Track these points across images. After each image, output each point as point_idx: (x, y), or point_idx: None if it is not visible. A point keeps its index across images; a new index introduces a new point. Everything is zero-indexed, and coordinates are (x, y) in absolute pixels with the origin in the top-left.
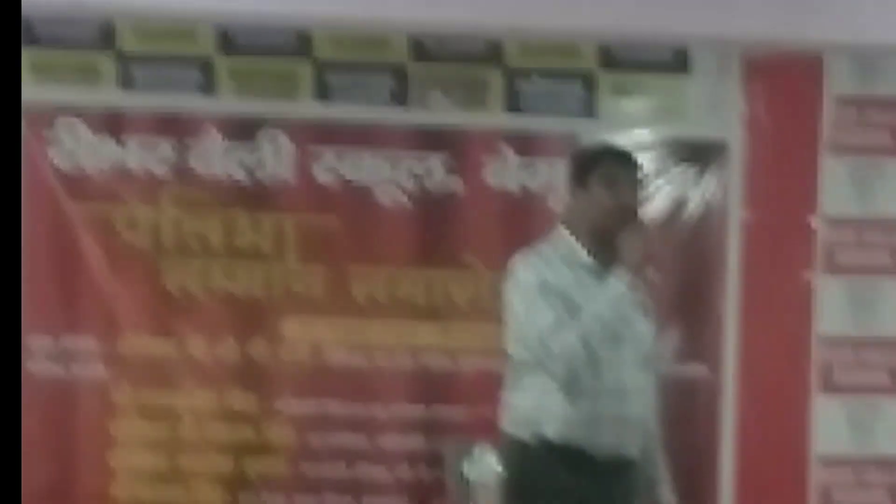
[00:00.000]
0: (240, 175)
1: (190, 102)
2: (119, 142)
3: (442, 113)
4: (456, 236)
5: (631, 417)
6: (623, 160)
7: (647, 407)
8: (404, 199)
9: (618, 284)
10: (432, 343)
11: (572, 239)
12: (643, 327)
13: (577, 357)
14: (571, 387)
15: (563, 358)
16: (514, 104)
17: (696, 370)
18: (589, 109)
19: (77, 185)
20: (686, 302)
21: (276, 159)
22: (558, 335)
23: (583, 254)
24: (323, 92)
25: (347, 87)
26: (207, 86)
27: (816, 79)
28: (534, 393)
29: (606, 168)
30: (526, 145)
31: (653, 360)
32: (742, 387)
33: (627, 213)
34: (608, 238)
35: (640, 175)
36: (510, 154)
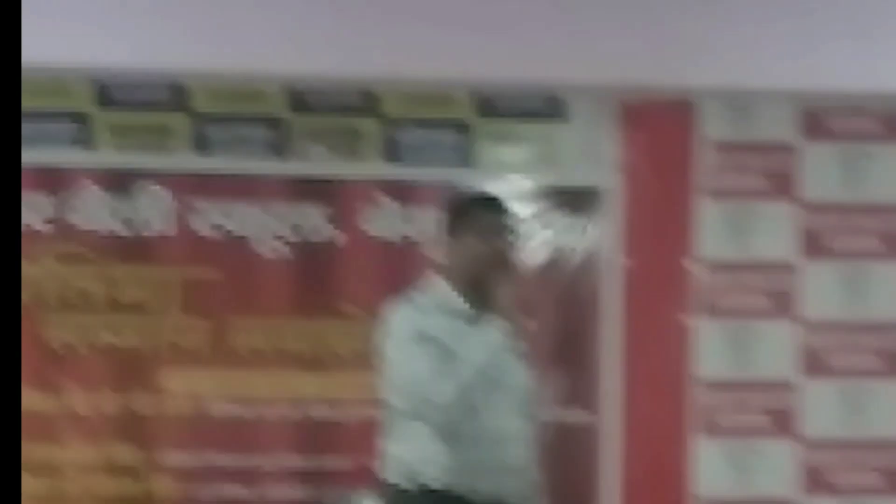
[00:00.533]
0: (119, 228)
1: (67, 156)
2: None
3: (320, 163)
4: (336, 286)
5: (510, 464)
6: (492, 208)
7: (527, 453)
8: (284, 249)
9: (492, 331)
10: (314, 393)
11: (448, 286)
12: (520, 374)
13: (455, 405)
14: (450, 434)
15: (440, 406)
16: (391, 154)
17: (578, 415)
18: (466, 158)
19: None
20: (567, 347)
21: (155, 212)
22: (435, 384)
23: (458, 301)
24: (201, 144)
25: (225, 139)
26: (85, 139)
27: (690, 124)
28: (413, 441)
29: (476, 216)
30: (404, 194)
31: (531, 406)
32: (623, 431)
33: (499, 260)
34: (482, 285)
35: (510, 222)
36: (388, 203)
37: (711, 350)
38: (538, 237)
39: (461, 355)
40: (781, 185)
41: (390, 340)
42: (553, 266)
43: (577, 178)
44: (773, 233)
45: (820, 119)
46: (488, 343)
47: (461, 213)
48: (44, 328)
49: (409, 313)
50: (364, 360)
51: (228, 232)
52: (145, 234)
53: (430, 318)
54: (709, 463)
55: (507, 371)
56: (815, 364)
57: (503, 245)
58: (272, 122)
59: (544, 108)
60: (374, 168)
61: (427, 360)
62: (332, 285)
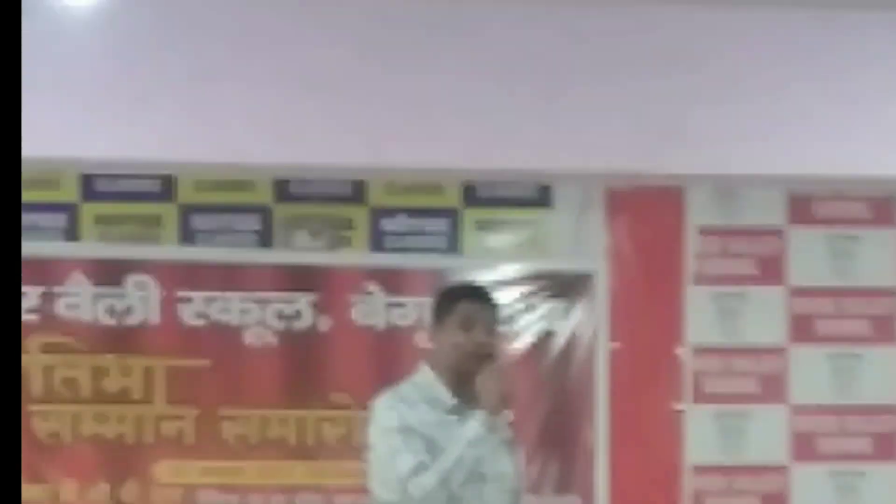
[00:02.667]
0: (107, 319)
1: (55, 248)
2: None
3: (308, 253)
4: (325, 375)
5: None
6: (479, 300)
7: None
8: (273, 339)
9: (477, 427)
10: (304, 481)
11: (433, 376)
12: (506, 465)
13: (437, 500)
14: None
15: (423, 501)
16: (379, 243)
17: (569, 501)
18: (454, 246)
19: None
20: (556, 434)
21: (142, 302)
22: (418, 479)
23: (444, 393)
24: (188, 235)
25: (211, 229)
26: (72, 231)
27: (678, 209)
28: None
29: (462, 309)
30: (392, 283)
31: (517, 497)
32: None
33: (483, 352)
34: (467, 376)
35: (496, 314)
36: (377, 292)
37: (701, 436)
38: (525, 322)
39: (446, 449)
40: (770, 269)
41: (375, 431)
42: (542, 353)
43: (564, 263)
44: (761, 317)
45: (807, 204)
46: (472, 439)
47: (444, 304)
48: (30, 419)
49: (393, 404)
50: (352, 448)
51: (215, 321)
52: (132, 323)
53: (416, 410)
54: None
55: (494, 464)
56: (804, 448)
57: (487, 337)
58: (259, 212)
59: (531, 195)
60: (361, 256)
61: (410, 455)
62: (319, 373)
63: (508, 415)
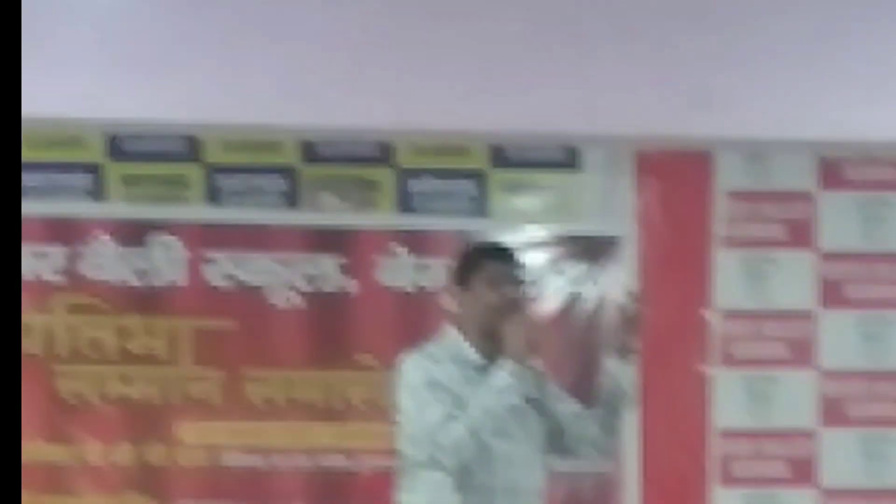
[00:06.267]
0: (132, 279)
1: (80, 208)
2: None
3: (334, 214)
4: (351, 336)
5: None
6: (501, 257)
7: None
8: (298, 300)
9: (503, 375)
10: (329, 444)
11: (460, 337)
12: (535, 424)
13: (467, 448)
14: (463, 484)
15: (452, 450)
16: (405, 204)
17: (598, 464)
18: (481, 208)
19: None
20: (584, 398)
21: (168, 263)
22: (447, 428)
23: (470, 352)
24: (214, 195)
25: (238, 190)
26: (97, 191)
27: (707, 173)
28: (427, 492)
29: (485, 266)
30: (418, 244)
31: (570, 440)
32: (643, 481)
33: (509, 309)
34: (494, 335)
35: (519, 270)
36: (403, 253)
37: (729, 400)
38: (553, 285)
39: (471, 402)
40: (799, 234)
41: (403, 389)
42: (569, 316)
43: (593, 227)
44: (790, 282)
45: (837, 168)
46: (498, 388)
47: (470, 263)
48: (56, 379)
49: (421, 362)
50: (378, 409)
51: (241, 282)
52: (158, 284)
53: (441, 367)
54: None
55: (523, 420)
56: (834, 413)
57: (513, 293)
58: (285, 173)
59: (559, 157)
60: (388, 218)
61: (439, 406)
62: (345, 335)
63: (538, 364)
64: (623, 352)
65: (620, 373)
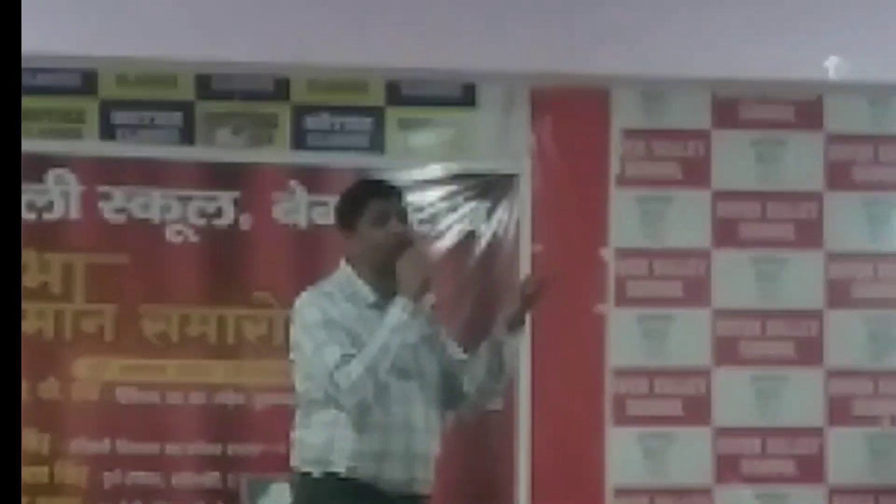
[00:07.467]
0: (27, 214)
1: None
2: None
3: (229, 150)
4: (247, 273)
5: (419, 453)
6: (384, 195)
7: (435, 442)
8: (194, 236)
9: (398, 313)
10: (225, 381)
11: (355, 276)
12: (430, 362)
13: (364, 387)
14: (361, 419)
15: (350, 389)
16: (302, 141)
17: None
18: (377, 145)
19: None
20: (477, 336)
21: (62, 198)
22: (345, 368)
23: (365, 290)
24: (109, 131)
25: (134, 125)
26: None
27: (603, 111)
28: (323, 429)
29: (369, 206)
30: (315, 181)
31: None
32: (536, 421)
33: (400, 245)
34: (388, 273)
35: (405, 206)
36: (299, 190)
37: (624, 339)
38: (448, 222)
39: (367, 340)
40: (694, 172)
41: (299, 328)
42: (464, 253)
43: (487, 164)
44: (686, 221)
45: (732, 107)
46: (394, 325)
47: (354, 204)
48: None
49: (316, 300)
50: (273, 346)
51: (136, 217)
52: (51, 218)
53: (338, 306)
54: (622, 453)
55: (418, 359)
56: (727, 351)
57: (398, 230)
58: (181, 108)
59: (455, 94)
60: (284, 154)
61: (336, 346)
62: (240, 271)
63: (430, 302)
64: (514, 325)
65: (509, 344)
